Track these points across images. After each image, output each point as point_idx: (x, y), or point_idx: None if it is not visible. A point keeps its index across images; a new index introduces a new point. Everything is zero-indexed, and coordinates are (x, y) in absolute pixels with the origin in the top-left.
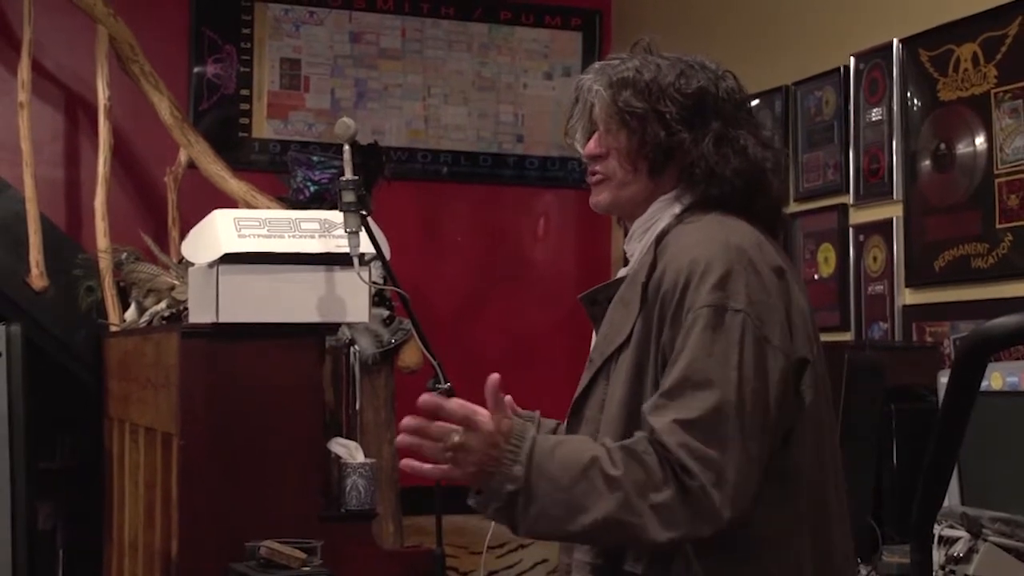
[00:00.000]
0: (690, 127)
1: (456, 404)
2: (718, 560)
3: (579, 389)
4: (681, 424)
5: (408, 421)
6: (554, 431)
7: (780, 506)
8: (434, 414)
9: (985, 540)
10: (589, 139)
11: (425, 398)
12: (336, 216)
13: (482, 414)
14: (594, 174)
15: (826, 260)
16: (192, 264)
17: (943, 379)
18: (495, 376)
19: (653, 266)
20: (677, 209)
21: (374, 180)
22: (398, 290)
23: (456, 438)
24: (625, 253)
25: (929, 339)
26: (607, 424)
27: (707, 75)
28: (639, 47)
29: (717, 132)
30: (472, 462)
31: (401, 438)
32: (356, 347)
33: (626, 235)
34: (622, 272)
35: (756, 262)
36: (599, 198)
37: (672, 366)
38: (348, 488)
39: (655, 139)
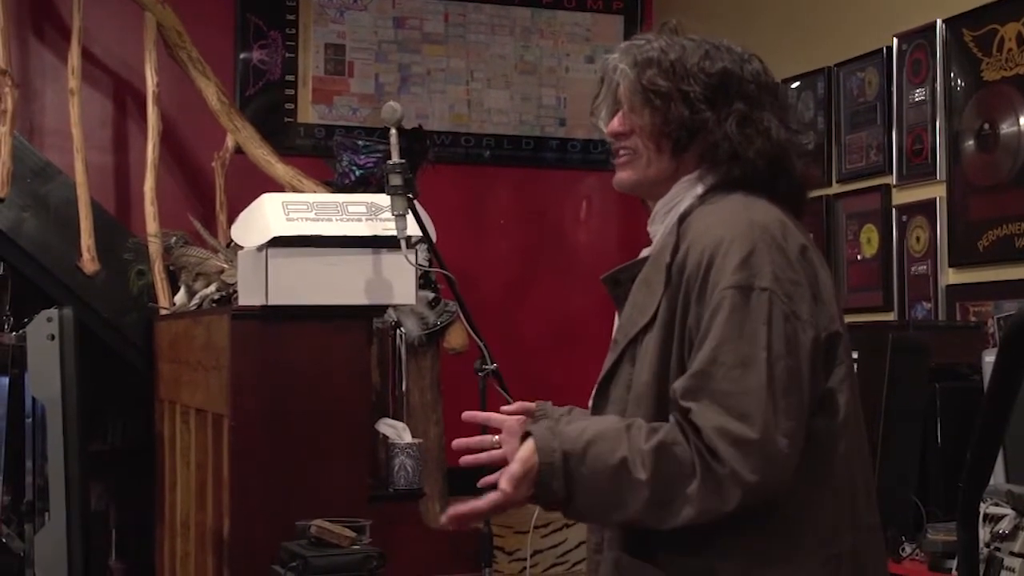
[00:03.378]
0: (713, 107)
1: (481, 506)
2: (754, 531)
3: (604, 370)
4: (714, 407)
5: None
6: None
7: (817, 477)
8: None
9: None
10: (613, 119)
11: (447, 518)
12: (383, 199)
13: (501, 497)
14: (619, 153)
15: (869, 241)
16: (241, 247)
17: (988, 358)
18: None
19: (676, 246)
20: (700, 190)
21: (418, 164)
22: (445, 272)
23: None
24: (649, 234)
25: (973, 319)
26: (635, 405)
27: (732, 57)
28: (667, 28)
29: (740, 113)
30: (521, 503)
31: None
32: (402, 329)
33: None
34: (645, 252)
35: (779, 239)
36: (622, 176)
37: (701, 348)
38: (396, 468)
39: (679, 117)
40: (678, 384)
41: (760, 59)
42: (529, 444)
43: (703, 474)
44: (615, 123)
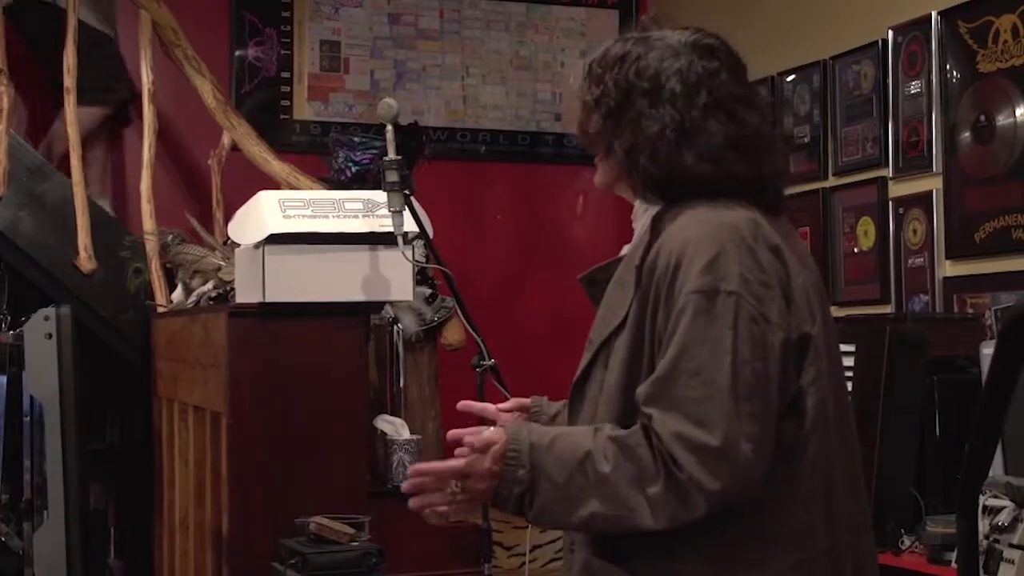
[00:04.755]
0: (614, 118)
1: (441, 466)
2: (723, 535)
3: (578, 371)
4: (674, 413)
5: (406, 486)
6: (556, 415)
7: (784, 480)
8: (426, 475)
9: None
10: None
11: (411, 470)
12: (379, 196)
13: (470, 457)
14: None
15: (866, 234)
16: (238, 245)
17: (986, 350)
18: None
19: (648, 247)
20: None
21: (415, 160)
22: (442, 268)
23: (456, 486)
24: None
25: (970, 311)
26: (604, 407)
27: (672, 54)
28: (638, 27)
29: (667, 119)
30: (482, 493)
31: (412, 502)
32: (399, 325)
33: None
34: (624, 250)
35: (749, 240)
36: (595, 179)
37: (664, 353)
38: (395, 464)
39: (597, 126)
40: (641, 390)
41: (721, 50)
42: (499, 446)
43: (666, 480)
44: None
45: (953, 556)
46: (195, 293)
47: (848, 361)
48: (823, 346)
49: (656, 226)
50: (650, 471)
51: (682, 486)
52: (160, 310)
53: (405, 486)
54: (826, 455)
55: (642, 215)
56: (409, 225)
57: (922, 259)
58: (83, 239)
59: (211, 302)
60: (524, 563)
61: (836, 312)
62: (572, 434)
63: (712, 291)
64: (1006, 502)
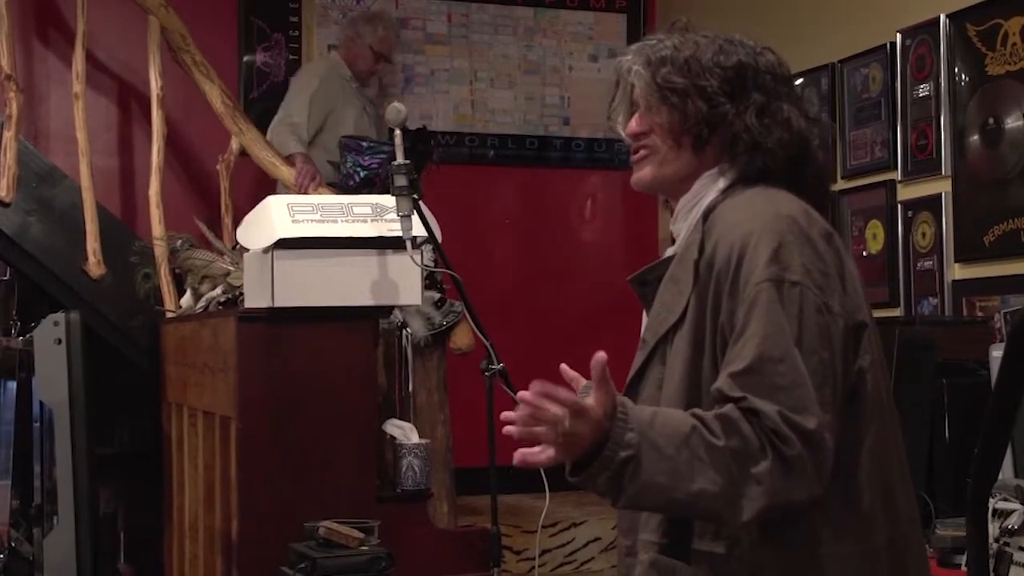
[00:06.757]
0: (732, 99)
1: (567, 392)
2: (787, 527)
3: (633, 370)
4: (773, 395)
5: (522, 410)
6: None
7: (843, 470)
8: (547, 397)
9: None
10: (631, 120)
11: (538, 385)
12: (388, 200)
13: (589, 402)
14: (637, 151)
15: (874, 237)
16: (247, 250)
17: (995, 353)
18: (602, 354)
19: (703, 243)
20: (722, 184)
21: (423, 164)
22: (451, 272)
23: (567, 423)
24: (672, 233)
25: (979, 313)
26: (667, 403)
27: (746, 50)
28: (677, 26)
29: (759, 104)
30: (580, 445)
31: (515, 428)
32: (408, 330)
33: (672, 216)
34: (670, 251)
35: (806, 230)
36: (642, 174)
37: (742, 344)
38: (404, 469)
39: (697, 113)
40: (723, 383)
41: (773, 51)
42: (611, 398)
43: (774, 456)
44: (633, 124)
45: (963, 559)
46: (204, 298)
47: None
48: (874, 334)
49: (707, 222)
50: (755, 447)
51: (790, 464)
52: (169, 315)
53: (519, 413)
54: (883, 445)
55: (686, 214)
56: (418, 229)
57: (931, 262)
58: (92, 244)
59: (220, 307)
60: (533, 567)
61: None
62: (667, 410)
63: (778, 281)
64: (1016, 505)
